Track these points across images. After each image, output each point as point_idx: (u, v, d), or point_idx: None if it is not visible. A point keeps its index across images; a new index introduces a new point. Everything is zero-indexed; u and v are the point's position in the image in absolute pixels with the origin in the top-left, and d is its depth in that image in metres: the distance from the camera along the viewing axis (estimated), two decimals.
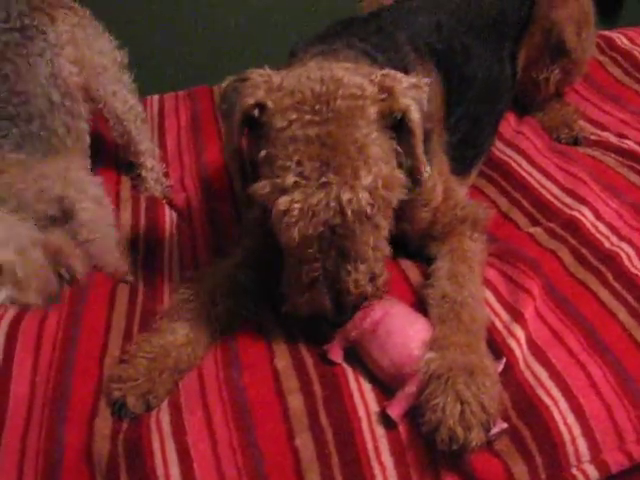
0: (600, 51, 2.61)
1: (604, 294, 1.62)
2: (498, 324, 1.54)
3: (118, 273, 1.82)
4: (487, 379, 1.32)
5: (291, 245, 1.37)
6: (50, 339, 1.57)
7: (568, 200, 1.92)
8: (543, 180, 2.03)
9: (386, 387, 1.41)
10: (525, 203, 1.97)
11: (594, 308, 1.58)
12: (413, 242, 1.75)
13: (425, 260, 1.73)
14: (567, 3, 2.21)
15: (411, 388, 1.33)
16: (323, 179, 1.31)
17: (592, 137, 2.24)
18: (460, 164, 1.88)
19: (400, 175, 1.42)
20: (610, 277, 1.66)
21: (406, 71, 1.59)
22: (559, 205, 1.92)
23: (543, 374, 1.44)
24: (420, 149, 1.44)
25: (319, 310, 1.43)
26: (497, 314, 1.57)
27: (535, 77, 2.28)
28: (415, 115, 1.40)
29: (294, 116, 1.35)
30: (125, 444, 1.34)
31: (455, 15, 1.99)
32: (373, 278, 1.44)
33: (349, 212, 1.31)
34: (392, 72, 1.44)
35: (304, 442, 1.33)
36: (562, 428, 1.35)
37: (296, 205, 1.31)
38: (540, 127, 2.30)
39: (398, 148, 1.43)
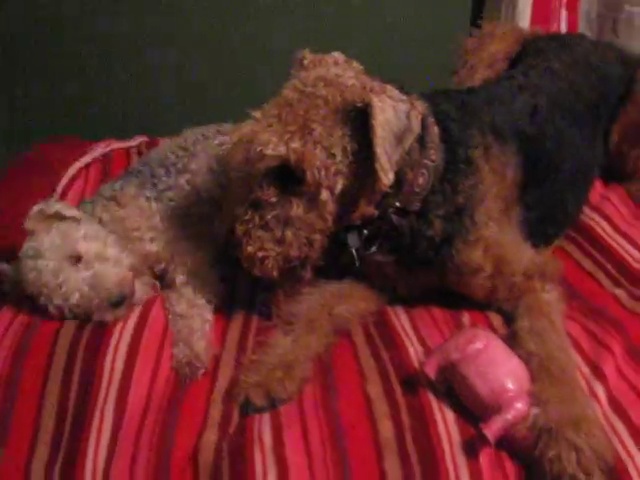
0: None
1: None
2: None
3: (196, 361, 1.71)
4: (593, 426, 1.41)
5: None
6: (169, 352, 1.75)
7: None
8: (627, 246, 2.09)
9: (469, 417, 1.51)
10: (609, 266, 2.03)
11: None
12: (481, 303, 1.83)
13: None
14: None
15: (508, 415, 1.42)
16: (271, 123, 1.55)
17: None
18: (540, 239, 1.94)
19: (337, 166, 1.55)
20: None
21: (466, 147, 1.74)
22: None
23: (621, 429, 1.50)
24: (380, 149, 1.51)
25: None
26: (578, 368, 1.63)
27: (626, 152, 2.34)
28: (378, 113, 1.50)
29: (293, 82, 1.62)
30: (229, 452, 1.47)
31: (555, 99, 2.05)
32: (281, 242, 1.59)
33: (265, 157, 1.52)
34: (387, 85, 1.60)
35: (391, 465, 1.43)
36: None
37: (243, 130, 1.59)
38: (626, 195, 2.37)
39: (354, 144, 1.56)
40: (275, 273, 1.62)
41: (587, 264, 2.07)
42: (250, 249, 1.59)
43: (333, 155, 1.55)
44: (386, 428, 1.49)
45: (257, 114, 1.59)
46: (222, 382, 1.65)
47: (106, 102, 3.14)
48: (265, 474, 1.42)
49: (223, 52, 3.14)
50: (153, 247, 1.96)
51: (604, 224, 2.20)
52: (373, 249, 1.73)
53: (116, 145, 2.76)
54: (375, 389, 1.58)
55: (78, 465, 1.47)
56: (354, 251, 1.72)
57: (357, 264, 1.74)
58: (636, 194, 2.36)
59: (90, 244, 1.83)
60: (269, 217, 1.57)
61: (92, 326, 1.79)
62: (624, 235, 2.15)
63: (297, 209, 1.58)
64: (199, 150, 2.15)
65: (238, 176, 1.61)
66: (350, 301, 1.82)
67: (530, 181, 1.90)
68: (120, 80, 3.11)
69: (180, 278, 1.91)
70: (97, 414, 1.57)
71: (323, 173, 1.54)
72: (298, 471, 1.43)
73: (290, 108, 1.55)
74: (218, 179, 2.08)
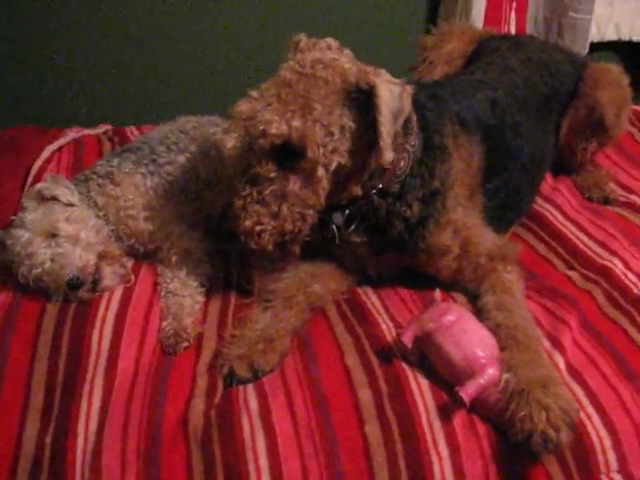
0: (631, 123, 2.83)
1: (632, 331, 1.80)
2: None
3: (182, 332, 1.77)
4: (559, 387, 1.52)
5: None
6: (155, 326, 1.81)
7: (600, 250, 2.13)
8: (577, 232, 2.23)
9: (442, 384, 1.61)
10: (561, 250, 2.17)
11: (624, 341, 1.77)
12: (447, 283, 1.95)
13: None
14: (611, 87, 2.42)
15: (481, 379, 1.53)
16: (270, 103, 1.61)
17: (621, 199, 2.45)
18: (499, 224, 2.07)
19: (334, 144, 1.63)
20: (638, 318, 1.84)
21: (441, 135, 1.85)
22: (592, 254, 2.11)
23: (580, 393, 1.63)
24: (384, 127, 1.59)
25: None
26: None
27: (574, 145, 2.48)
28: (383, 93, 1.60)
29: (289, 64, 1.68)
30: (218, 419, 1.54)
31: (512, 93, 2.17)
32: (276, 217, 1.65)
33: (269, 135, 1.58)
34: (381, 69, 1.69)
35: (372, 430, 1.53)
36: (595, 440, 1.55)
37: (242, 107, 1.63)
38: (574, 186, 2.53)
39: (351, 124, 1.64)
40: (270, 247, 1.68)
41: (541, 248, 2.20)
42: (248, 223, 1.64)
43: (331, 133, 1.62)
44: (366, 396, 1.58)
45: (254, 93, 1.65)
46: (206, 354, 1.73)
47: (65, 92, 3.13)
48: (254, 439, 1.50)
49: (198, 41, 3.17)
50: (148, 226, 2.00)
51: (555, 212, 2.34)
52: (352, 228, 1.81)
53: (86, 132, 2.80)
54: (352, 360, 1.67)
55: (70, 434, 1.52)
56: (335, 229, 1.80)
57: (337, 241, 1.82)
58: (582, 184, 2.51)
59: (69, 225, 1.87)
60: (267, 192, 1.63)
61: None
62: (574, 222, 2.29)
63: (294, 185, 1.64)
64: (198, 135, 2.21)
65: (235, 152, 1.67)
66: (323, 280, 1.91)
67: (491, 170, 2.02)
68: (81, 69, 3.10)
69: (175, 258, 1.95)
70: (87, 384, 1.62)
71: (321, 151, 1.61)
72: (285, 435, 1.51)
73: (289, 88, 1.62)
74: (214, 164, 2.15)
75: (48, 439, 1.52)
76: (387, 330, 1.77)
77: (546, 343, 1.75)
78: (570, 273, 2.05)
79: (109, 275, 1.89)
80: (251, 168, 1.65)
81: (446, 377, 1.62)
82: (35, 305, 1.82)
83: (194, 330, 1.78)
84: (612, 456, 1.54)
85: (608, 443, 1.55)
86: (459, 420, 1.55)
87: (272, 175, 1.64)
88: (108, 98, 3.15)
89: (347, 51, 1.75)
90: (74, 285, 1.80)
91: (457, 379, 1.57)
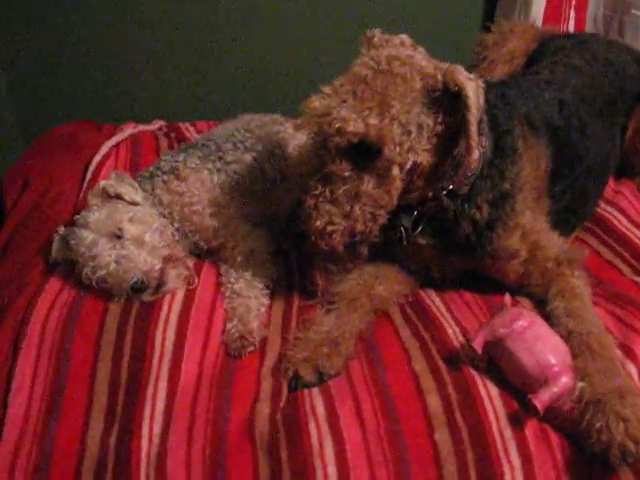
0: None
1: None
2: None
3: (248, 336, 1.74)
4: (637, 398, 1.47)
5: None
6: (219, 328, 1.79)
7: None
8: None
9: (512, 391, 1.56)
10: (627, 255, 2.10)
11: None
12: (512, 288, 1.89)
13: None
14: None
15: (555, 387, 1.48)
16: (345, 99, 1.57)
17: None
18: (563, 228, 2.01)
19: (410, 143, 1.59)
20: None
21: (512, 136, 1.80)
22: None
23: None
24: (474, 127, 1.57)
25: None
26: None
27: (639, 147, 2.41)
28: (471, 93, 1.56)
29: (364, 60, 1.64)
30: (284, 424, 1.51)
31: (579, 93, 2.12)
32: (348, 217, 1.62)
33: (346, 133, 1.54)
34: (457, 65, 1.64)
35: (442, 438, 1.49)
36: None
37: (316, 104, 1.58)
38: (637, 190, 2.45)
39: (429, 122, 1.61)
40: (340, 248, 1.65)
41: (605, 253, 2.14)
42: (319, 223, 1.60)
43: (409, 132, 1.59)
44: (434, 402, 1.54)
45: (326, 89, 1.61)
46: (271, 357, 1.70)
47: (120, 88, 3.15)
48: (322, 445, 1.47)
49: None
50: (213, 222, 1.98)
51: (620, 216, 2.28)
52: (418, 230, 1.78)
53: (142, 127, 2.80)
54: (420, 365, 1.63)
55: (134, 435, 1.51)
56: (403, 231, 1.77)
57: (404, 243, 1.79)
58: None
59: (133, 227, 1.86)
60: (340, 192, 1.60)
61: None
62: (639, 226, 2.22)
63: (367, 184, 1.61)
64: (263, 134, 2.19)
65: (307, 150, 1.64)
66: (386, 282, 1.87)
67: (557, 172, 1.97)
68: (134, 67, 3.11)
69: (240, 258, 1.93)
70: (151, 386, 1.60)
71: (398, 149, 1.58)
72: (354, 442, 1.48)
73: (365, 85, 1.58)
74: (279, 164, 2.13)
75: (112, 440, 1.51)
76: (453, 335, 1.73)
77: (618, 352, 1.68)
78: (638, 279, 1.99)
79: (173, 278, 1.86)
80: (324, 166, 1.61)
81: (517, 384, 1.57)
82: (98, 304, 1.81)
83: (259, 334, 1.75)
84: None
85: None
86: (531, 429, 1.51)
87: (346, 174, 1.60)
88: (159, 94, 3.16)
89: (420, 48, 1.71)
90: (138, 289, 1.79)
91: (529, 387, 1.53)
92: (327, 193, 1.60)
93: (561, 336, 1.63)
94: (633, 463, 1.41)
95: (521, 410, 1.53)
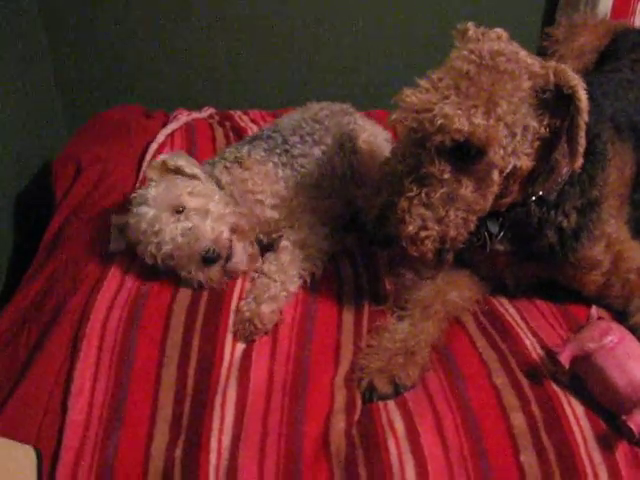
0: None
1: None
2: None
3: (257, 320, 1.68)
4: None
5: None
6: (286, 333, 1.70)
7: None
8: None
9: (598, 410, 1.48)
10: None
11: None
12: (590, 297, 1.80)
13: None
14: None
15: None
16: (447, 95, 1.45)
17: None
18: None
19: (514, 146, 1.48)
20: None
21: (601, 141, 1.70)
22: None
23: None
24: (582, 131, 1.47)
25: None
26: None
27: None
28: (583, 96, 1.46)
29: (463, 54, 1.52)
30: (361, 439, 1.43)
31: None
32: (441, 222, 1.51)
33: (451, 131, 1.43)
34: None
35: (529, 459, 1.39)
36: None
37: (413, 98, 1.47)
38: None
39: (534, 124, 1.50)
40: (430, 254, 1.54)
41: None
42: (411, 228, 1.49)
43: (514, 134, 1.48)
44: (518, 420, 1.46)
45: (424, 82, 1.50)
46: (344, 365, 1.61)
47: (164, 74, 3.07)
48: (402, 463, 1.38)
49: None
50: (274, 214, 1.91)
51: None
52: (500, 236, 1.69)
53: (195, 115, 2.71)
54: (501, 380, 1.55)
55: (202, 448, 1.42)
56: (487, 237, 1.68)
57: (488, 250, 1.69)
58: None
59: (195, 199, 1.77)
60: (437, 195, 1.49)
61: (207, 297, 1.75)
62: None
63: (466, 188, 1.50)
64: (332, 125, 2.09)
65: (401, 148, 1.54)
66: (459, 288, 1.78)
67: (638, 179, 1.86)
68: (175, 53, 3.04)
69: (284, 243, 1.85)
70: (219, 395, 1.51)
71: (501, 152, 1.47)
72: (436, 462, 1.39)
73: (469, 81, 1.46)
74: (349, 157, 2.03)
75: (178, 452, 1.42)
76: (531, 346, 1.64)
77: None
78: None
79: (240, 251, 1.78)
80: (421, 167, 1.49)
81: (606, 403, 1.48)
82: (161, 304, 1.72)
83: (271, 320, 1.67)
84: None
85: None
86: (622, 453, 1.41)
87: (445, 176, 1.49)
88: (208, 80, 3.08)
89: (515, 43, 1.60)
90: (209, 259, 1.70)
91: (620, 406, 1.44)
92: (423, 196, 1.49)
93: None
94: None
95: (611, 432, 1.44)
